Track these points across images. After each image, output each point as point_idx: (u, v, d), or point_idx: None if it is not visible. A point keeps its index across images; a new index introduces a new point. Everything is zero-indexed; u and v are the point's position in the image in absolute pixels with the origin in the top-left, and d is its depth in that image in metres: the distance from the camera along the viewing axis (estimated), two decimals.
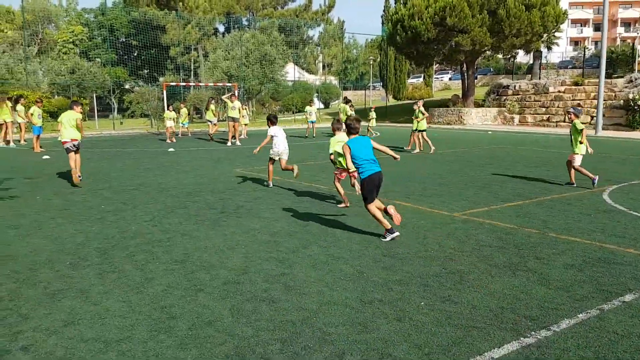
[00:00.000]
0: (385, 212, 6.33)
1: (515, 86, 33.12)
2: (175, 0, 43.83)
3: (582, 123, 10.05)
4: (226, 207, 8.42)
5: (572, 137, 9.92)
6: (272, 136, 9.72)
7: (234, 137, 20.11)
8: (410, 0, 30.71)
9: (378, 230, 6.66)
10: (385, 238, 6.30)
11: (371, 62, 46.90)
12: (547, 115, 30.39)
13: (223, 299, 4.54)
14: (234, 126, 19.91)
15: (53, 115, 31.71)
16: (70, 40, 50.02)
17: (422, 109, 16.05)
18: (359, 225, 7.10)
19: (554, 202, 8.53)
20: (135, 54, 55.56)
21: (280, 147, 9.76)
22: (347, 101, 22.52)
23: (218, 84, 30.43)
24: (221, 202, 8.83)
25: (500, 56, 41.09)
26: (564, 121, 28.42)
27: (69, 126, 10.45)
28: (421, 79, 58.41)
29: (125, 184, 10.73)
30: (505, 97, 33.60)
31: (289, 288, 4.80)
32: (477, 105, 34.33)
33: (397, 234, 6.32)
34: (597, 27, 69.96)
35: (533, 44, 31.01)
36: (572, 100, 29.36)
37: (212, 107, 21.38)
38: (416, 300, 4.51)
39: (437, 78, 59.90)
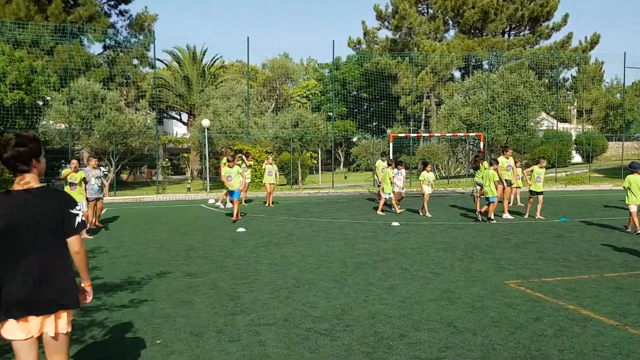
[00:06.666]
0: None
1: None
2: (409, 46, 40.51)
3: None
4: None
5: None
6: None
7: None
8: None
9: None
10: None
11: None
12: None
13: None
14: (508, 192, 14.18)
15: (282, 169, 30.41)
16: (304, 94, 50.74)
17: None
18: None
19: None
20: (365, 107, 54.11)
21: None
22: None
23: (459, 134, 25.14)
24: None
25: None
26: None
27: None
28: None
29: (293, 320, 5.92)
30: None
31: None
32: None
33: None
34: None
35: None
36: None
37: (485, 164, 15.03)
38: None
39: None
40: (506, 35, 44.20)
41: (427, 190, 14.50)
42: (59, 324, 3.15)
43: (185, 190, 25.02)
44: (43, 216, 3.10)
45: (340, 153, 47.57)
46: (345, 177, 35.93)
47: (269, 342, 4.94)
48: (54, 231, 3.13)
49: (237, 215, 13.71)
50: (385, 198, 14.96)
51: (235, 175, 13.78)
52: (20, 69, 21.12)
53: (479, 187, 14.64)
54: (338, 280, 7.25)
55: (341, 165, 47.70)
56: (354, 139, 47.40)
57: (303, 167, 27.87)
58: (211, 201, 19.30)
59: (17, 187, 3.15)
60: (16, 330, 3.05)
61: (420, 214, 14.46)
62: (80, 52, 29.61)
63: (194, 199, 21.65)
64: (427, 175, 14.68)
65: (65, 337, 3.21)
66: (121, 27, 37.65)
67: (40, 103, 23.69)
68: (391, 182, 14.71)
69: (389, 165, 14.97)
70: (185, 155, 38.60)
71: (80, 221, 3.25)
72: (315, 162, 31.97)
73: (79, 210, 3.30)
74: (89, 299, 3.40)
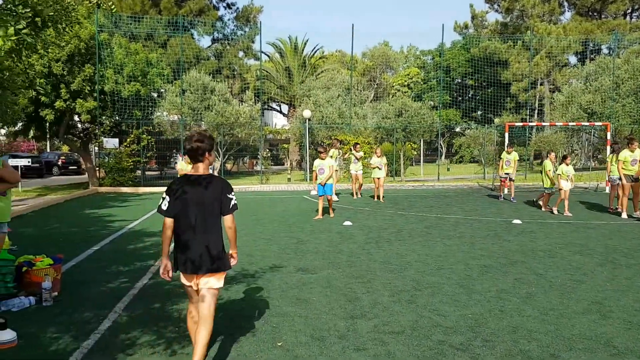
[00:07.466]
0: None
1: None
2: (521, 29, 37.96)
3: None
4: None
5: None
6: None
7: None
8: None
9: None
10: None
11: None
12: None
13: None
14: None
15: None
16: (405, 83, 49.41)
17: None
18: None
19: None
20: (470, 95, 51.78)
21: None
22: None
23: (583, 123, 23.10)
24: None
25: None
26: None
27: None
28: None
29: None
30: None
31: None
32: None
33: None
34: None
35: None
36: None
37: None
38: None
39: None
40: (628, 17, 40.16)
41: (565, 185, 12.94)
42: (211, 281, 4.04)
43: (286, 180, 25.21)
44: (208, 197, 4.00)
45: (442, 144, 45.91)
46: (448, 169, 34.55)
47: (398, 354, 4.45)
48: (214, 210, 4.03)
49: (321, 213, 12.77)
50: (550, 193, 13.71)
51: (327, 168, 12.67)
52: (136, 62, 22.21)
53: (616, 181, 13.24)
54: (464, 285, 6.58)
55: (442, 157, 46.06)
56: (457, 129, 45.45)
57: (405, 159, 27.03)
58: (313, 192, 19.17)
59: (192, 172, 4.11)
60: (187, 281, 4.12)
61: (554, 211, 13.12)
62: (192, 45, 30.83)
63: (296, 189, 21.69)
64: (567, 169, 12.91)
65: (215, 292, 4.08)
66: (228, 20, 38.81)
67: (155, 95, 24.84)
68: (548, 176, 13.44)
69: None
70: (285, 146, 39.10)
71: (234, 204, 4.09)
72: (416, 153, 30.93)
73: (234, 195, 4.10)
74: (234, 262, 4.27)
